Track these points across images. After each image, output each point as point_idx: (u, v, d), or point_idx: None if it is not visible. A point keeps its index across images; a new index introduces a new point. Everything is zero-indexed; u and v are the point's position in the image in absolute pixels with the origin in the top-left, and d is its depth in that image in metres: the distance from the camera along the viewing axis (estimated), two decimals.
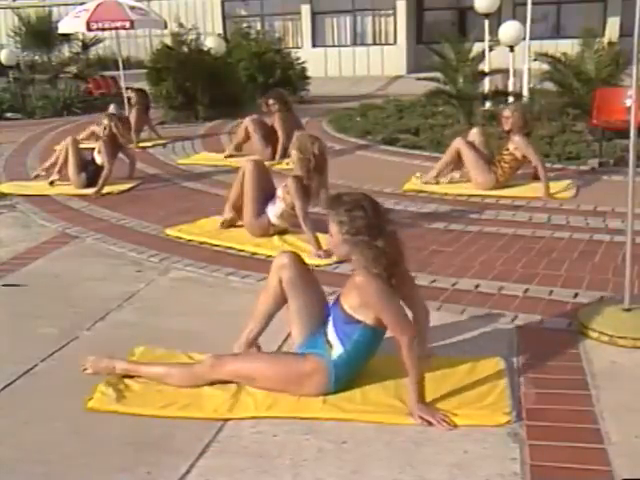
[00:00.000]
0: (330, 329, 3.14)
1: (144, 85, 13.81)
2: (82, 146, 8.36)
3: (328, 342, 3.12)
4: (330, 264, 4.91)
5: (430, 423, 2.88)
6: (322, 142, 5.44)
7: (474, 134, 7.11)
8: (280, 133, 8.77)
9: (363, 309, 3.04)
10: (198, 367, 3.26)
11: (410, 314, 3.14)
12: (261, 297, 3.44)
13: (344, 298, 3.12)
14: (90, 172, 7.60)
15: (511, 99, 11.01)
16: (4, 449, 2.89)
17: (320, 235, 5.09)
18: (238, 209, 5.73)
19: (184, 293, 4.61)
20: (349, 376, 3.15)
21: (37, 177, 8.02)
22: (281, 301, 3.37)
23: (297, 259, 3.39)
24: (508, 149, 6.76)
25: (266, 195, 5.62)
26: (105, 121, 7.73)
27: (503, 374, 3.26)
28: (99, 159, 7.61)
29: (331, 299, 3.38)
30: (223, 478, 2.64)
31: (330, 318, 3.18)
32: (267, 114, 9.28)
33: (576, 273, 4.61)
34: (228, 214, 5.81)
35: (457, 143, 6.97)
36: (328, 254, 4.93)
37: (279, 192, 5.54)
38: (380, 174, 7.43)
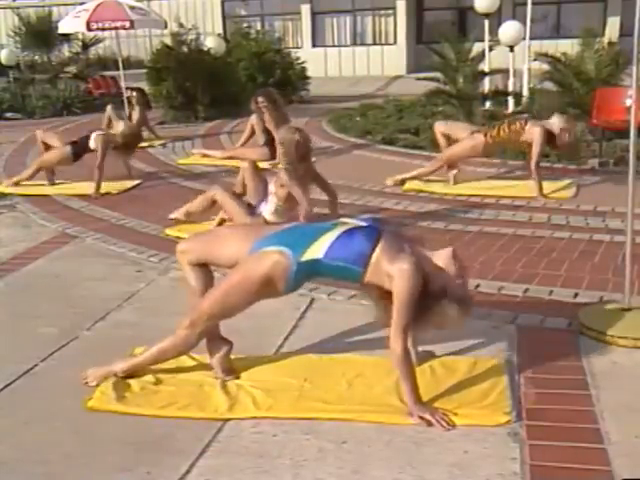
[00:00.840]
0: (328, 230, 3.10)
1: (144, 85, 13.82)
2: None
3: (314, 241, 3.06)
4: None
5: (430, 423, 2.88)
6: (304, 132, 5.47)
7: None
8: (273, 132, 8.80)
9: (381, 276, 2.98)
10: (180, 331, 3.24)
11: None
12: (189, 292, 3.39)
13: (381, 255, 3.00)
14: (76, 148, 7.60)
15: (511, 99, 11.02)
16: (4, 449, 2.89)
17: None
18: None
19: (184, 293, 4.56)
20: (305, 281, 3.18)
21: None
22: (206, 281, 3.35)
23: (189, 239, 3.44)
24: (516, 124, 6.78)
25: (260, 196, 5.64)
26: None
27: (503, 374, 3.26)
28: (93, 144, 7.57)
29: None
30: (223, 478, 2.64)
31: (344, 232, 3.09)
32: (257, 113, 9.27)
33: (576, 273, 4.61)
34: (224, 214, 5.83)
35: (437, 127, 7.23)
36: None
37: (271, 188, 5.53)
38: (380, 174, 7.43)
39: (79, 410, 3.12)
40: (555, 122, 6.72)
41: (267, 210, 5.53)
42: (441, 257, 3.04)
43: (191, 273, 3.33)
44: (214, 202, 5.68)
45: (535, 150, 6.59)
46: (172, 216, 5.98)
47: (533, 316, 3.95)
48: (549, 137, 6.64)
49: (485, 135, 6.83)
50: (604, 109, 8.18)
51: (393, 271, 2.94)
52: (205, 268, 3.34)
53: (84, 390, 3.24)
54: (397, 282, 2.93)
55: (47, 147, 7.97)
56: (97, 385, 3.31)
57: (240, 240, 3.25)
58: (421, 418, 2.90)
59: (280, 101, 9.05)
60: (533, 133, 6.62)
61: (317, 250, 3.05)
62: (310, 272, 3.12)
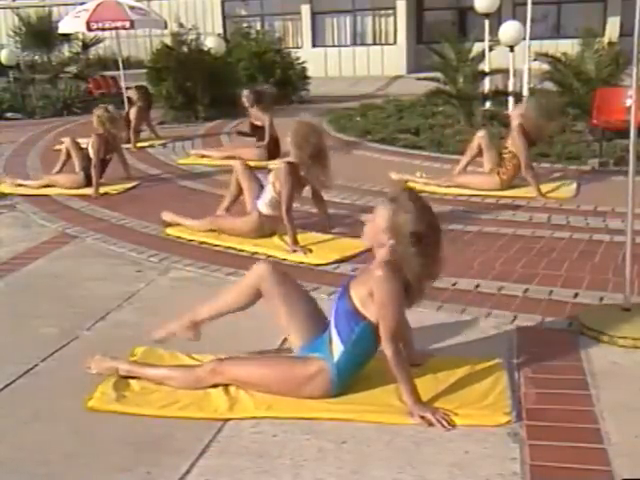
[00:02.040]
0: (332, 325, 3.11)
1: (144, 85, 13.82)
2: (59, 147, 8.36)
3: (330, 340, 3.09)
4: (326, 264, 4.92)
5: (431, 422, 2.88)
6: (321, 129, 5.46)
7: (480, 137, 7.08)
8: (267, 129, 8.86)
9: (370, 304, 3.00)
10: (199, 371, 3.25)
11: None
12: (232, 292, 3.40)
13: (355, 289, 3.08)
14: (87, 169, 7.59)
15: (511, 99, 11.02)
16: (5, 449, 2.89)
17: (305, 234, 5.30)
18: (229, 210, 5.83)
19: (184, 293, 4.61)
20: (350, 378, 3.14)
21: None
22: (247, 305, 3.39)
23: (276, 268, 3.37)
24: (507, 147, 6.76)
25: (255, 195, 5.68)
26: (98, 113, 7.72)
27: (503, 374, 3.26)
28: (92, 152, 7.57)
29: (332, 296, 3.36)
30: (223, 478, 2.64)
31: (333, 312, 3.15)
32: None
33: (576, 273, 4.61)
34: (221, 212, 5.88)
35: (480, 137, 7.01)
36: (304, 251, 5.11)
37: (270, 177, 5.53)
38: (380, 174, 7.43)
39: (79, 410, 3.12)
40: (514, 116, 6.86)
41: (262, 201, 5.53)
42: None
43: (247, 291, 3.33)
44: (212, 230, 5.71)
45: (521, 159, 6.62)
46: (165, 218, 5.98)
47: (533, 316, 3.95)
48: (526, 137, 6.66)
49: (498, 174, 6.78)
50: (604, 109, 8.19)
51: (371, 285, 2.98)
52: (253, 301, 3.36)
53: (84, 390, 3.24)
54: (375, 291, 2.96)
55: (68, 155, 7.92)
56: (97, 374, 3.38)
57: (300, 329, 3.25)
58: (422, 418, 2.90)
59: (267, 99, 9.04)
60: (515, 145, 6.64)
61: (337, 345, 3.08)
62: (348, 363, 3.10)
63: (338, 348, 3.07)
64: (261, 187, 5.71)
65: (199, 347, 3.56)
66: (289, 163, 5.36)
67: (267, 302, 3.32)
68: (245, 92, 9.28)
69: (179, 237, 5.73)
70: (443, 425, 2.86)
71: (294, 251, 5.15)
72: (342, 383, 3.10)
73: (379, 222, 3.09)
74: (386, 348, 2.95)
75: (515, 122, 6.74)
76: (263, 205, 5.52)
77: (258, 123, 9.10)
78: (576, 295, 4.23)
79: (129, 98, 11.22)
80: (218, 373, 3.20)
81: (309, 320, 3.26)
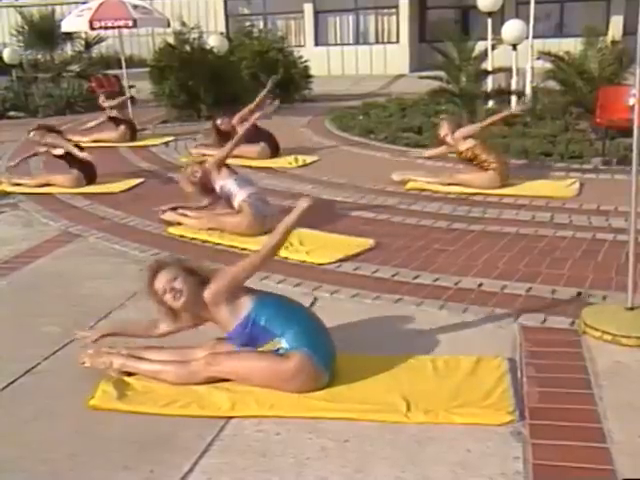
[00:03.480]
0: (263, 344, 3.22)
1: (147, 84, 13.84)
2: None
3: (275, 343, 3.20)
4: (327, 262, 4.93)
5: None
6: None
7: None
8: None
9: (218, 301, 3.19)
10: (194, 364, 3.27)
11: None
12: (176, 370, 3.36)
13: (220, 324, 3.26)
14: (79, 167, 7.62)
15: (514, 98, 11.01)
16: (7, 447, 2.89)
17: (307, 233, 5.19)
18: None
19: None
20: (323, 346, 3.20)
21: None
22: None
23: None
24: (461, 152, 6.97)
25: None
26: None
27: (506, 373, 3.26)
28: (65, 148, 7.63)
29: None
30: (226, 477, 2.64)
31: (242, 346, 3.25)
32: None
33: (579, 272, 4.60)
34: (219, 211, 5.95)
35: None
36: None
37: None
38: (383, 173, 7.42)
39: (81, 409, 3.12)
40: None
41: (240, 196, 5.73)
42: None
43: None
44: (211, 228, 5.76)
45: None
46: (163, 216, 6.00)
47: (536, 315, 3.94)
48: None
49: (495, 170, 6.83)
50: (607, 108, 8.18)
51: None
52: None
53: (87, 389, 3.24)
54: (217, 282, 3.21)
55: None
56: (91, 367, 3.43)
57: None
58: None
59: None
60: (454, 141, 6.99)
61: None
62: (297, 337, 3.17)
63: (280, 340, 3.16)
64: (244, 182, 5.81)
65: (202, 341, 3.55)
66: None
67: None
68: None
69: (182, 236, 5.73)
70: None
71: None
72: (322, 358, 3.14)
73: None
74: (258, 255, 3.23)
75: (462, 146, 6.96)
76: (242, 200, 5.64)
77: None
78: (579, 294, 4.23)
79: (132, 98, 11.21)
80: (212, 366, 3.22)
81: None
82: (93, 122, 10.88)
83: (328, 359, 3.19)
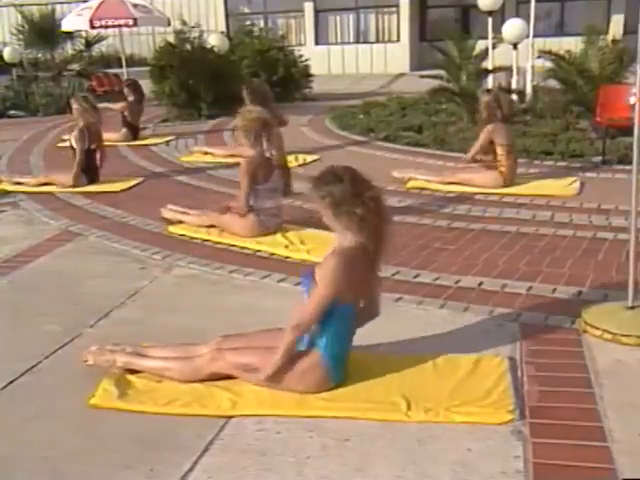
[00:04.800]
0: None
1: (147, 83, 13.81)
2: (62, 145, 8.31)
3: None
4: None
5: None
6: (260, 110, 5.68)
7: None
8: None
9: None
10: (198, 360, 3.27)
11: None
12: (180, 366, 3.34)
13: (318, 268, 3.13)
14: (82, 165, 7.60)
15: (514, 97, 11.00)
16: (8, 445, 2.89)
17: (309, 232, 5.19)
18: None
19: (187, 290, 4.61)
20: (341, 362, 3.15)
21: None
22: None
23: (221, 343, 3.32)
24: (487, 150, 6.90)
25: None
26: (77, 103, 7.72)
27: (506, 372, 3.26)
28: (76, 145, 7.57)
29: None
30: (226, 475, 2.64)
31: (305, 293, 3.17)
32: None
33: (580, 271, 4.60)
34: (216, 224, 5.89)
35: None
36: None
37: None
38: (383, 172, 7.41)
39: (82, 407, 3.12)
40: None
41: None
42: None
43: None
44: (211, 225, 5.73)
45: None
46: (165, 215, 6.00)
47: (536, 314, 3.94)
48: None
49: (497, 169, 6.81)
50: (608, 107, 8.17)
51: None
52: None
53: (87, 387, 3.24)
54: (320, 267, 3.06)
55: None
56: (94, 365, 3.42)
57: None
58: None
59: (265, 95, 8.96)
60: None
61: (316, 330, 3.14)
62: (333, 343, 3.13)
63: (318, 329, 3.10)
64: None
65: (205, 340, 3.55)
66: (246, 157, 5.54)
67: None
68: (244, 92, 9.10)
69: (182, 235, 5.72)
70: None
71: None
72: (336, 369, 3.12)
73: (325, 215, 3.16)
74: (287, 332, 3.04)
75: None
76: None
77: None
78: (580, 293, 4.23)
79: (122, 94, 11.15)
80: (217, 362, 3.22)
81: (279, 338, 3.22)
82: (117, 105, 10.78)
83: (341, 371, 3.17)
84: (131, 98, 10.65)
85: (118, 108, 10.69)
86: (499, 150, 6.78)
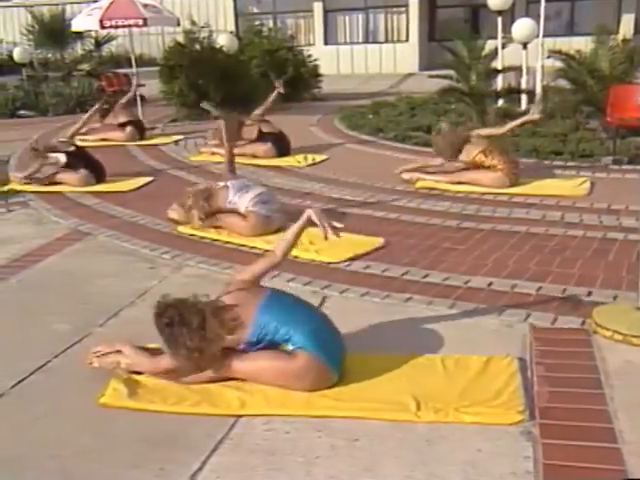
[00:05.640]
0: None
1: (156, 83, 13.85)
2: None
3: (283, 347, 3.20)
4: (338, 261, 4.92)
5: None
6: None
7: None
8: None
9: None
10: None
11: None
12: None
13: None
14: (85, 166, 7.66)
15: (524, 97, 10.97)
16: (17, 444, 2.90)
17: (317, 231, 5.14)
18: None
19: (197, 290, 4.57)
20: (327, 345, 3.18)
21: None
22: None
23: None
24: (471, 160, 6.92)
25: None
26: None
27: (516, 372, 3.25)
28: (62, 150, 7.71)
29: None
30: (235, 475, 2.64)
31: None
32: None
33: (590, 271, 4.58)
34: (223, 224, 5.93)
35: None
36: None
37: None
38: (392, 172, 7.41)
39: (91, 406, 3.13)
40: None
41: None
42: None
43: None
44: (219, 227, 5.76)
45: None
46: (172, 216, 6.01)
47: (546, 314, 3.93)
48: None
49: (502, 171, 6.80)
50: (618, 107, 8.13)
51: None
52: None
53: (97, 386, 3.25)
54: None
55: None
56: (99, 368, 3.43)
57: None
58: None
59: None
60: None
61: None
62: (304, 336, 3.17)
63: (288, 344, 3.15)
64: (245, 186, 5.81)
65: None
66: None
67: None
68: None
69: (191, 235, 5.73)
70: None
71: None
72: (330, 358, 3.13)
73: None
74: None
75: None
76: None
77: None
78: (590, 293, 4.21)
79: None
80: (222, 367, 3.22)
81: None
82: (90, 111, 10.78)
83: (336, 358, 3.19)
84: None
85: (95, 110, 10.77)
86: (482, 157, 6.80)
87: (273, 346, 3.20)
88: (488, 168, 6.81)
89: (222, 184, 5.82)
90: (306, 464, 2.68)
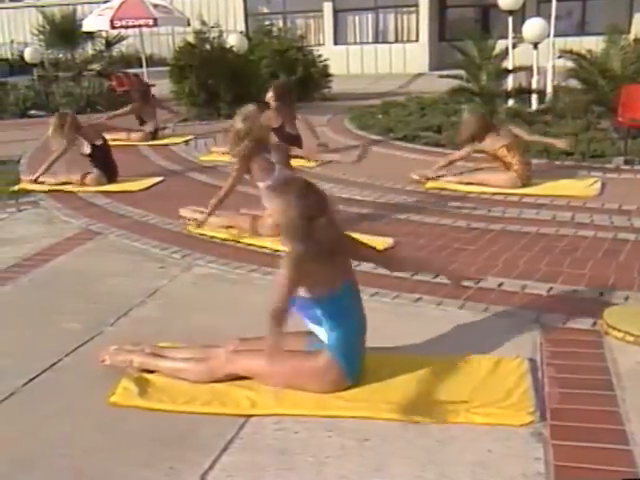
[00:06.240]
0: (304, 319, 3.17)
1: (167, 83, 13.88)
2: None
3: (313, 333, 3.16)
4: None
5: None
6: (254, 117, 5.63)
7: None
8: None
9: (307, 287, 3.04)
10: (214, 361, 3.27)
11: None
12: (193, 367, 3.33)
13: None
14: (98, 166, 7.65)
15: (535, 97, 10.94)
16: (27, 442, 2.91)
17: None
18: None
19: (207, 290, 4.62)
20: (355, 352, 3.15)
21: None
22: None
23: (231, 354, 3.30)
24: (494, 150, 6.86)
25: None
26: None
27: (526, 373, 3.23)
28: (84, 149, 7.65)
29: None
30: (245, 475, 2.64)
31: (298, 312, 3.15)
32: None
33: (601, 272, 4.56)
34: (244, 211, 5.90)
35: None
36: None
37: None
38: (402, 172, 7.40)
39: (102, 405, 3.14)
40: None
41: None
42: None
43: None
44: (229, 227, 5.72)
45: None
46: (183, 214, 6.02)
47: (557, 315, 3.91)
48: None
49: (517, 172, 6.77)
50: (630, 107, 8.10)
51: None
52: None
53: (107, 385, 3.26)
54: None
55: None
56: (111, 366, 3.44)
57: None
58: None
59: (288, 95, 8.92)
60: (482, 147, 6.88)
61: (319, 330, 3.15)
62: (342, 340, 3.12)
63: (319, 331, 3.11)
64: None
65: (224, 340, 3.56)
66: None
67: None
68: (269, 93, 9.07)
69: (201, 234, 5.74)
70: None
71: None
72: (350, 364, 3.11)
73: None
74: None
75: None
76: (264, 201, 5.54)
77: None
78: (601, 294, 4.19)
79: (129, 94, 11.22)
80: (233, 363, 3.22)
81: (294, 341, 3.23)
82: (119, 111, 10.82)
83: (356, 367, 3.17)
84: (136, 102, 10.73)
85: (122, 113, 10.75)
86: (504, 151, 6.74)
87: (309, 320, 3.15)
88: (504, 165, 6.77)
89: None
90: (316, 464, 2.68)
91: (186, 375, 3.30)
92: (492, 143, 6.80)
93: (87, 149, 7.58)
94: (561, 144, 7.13)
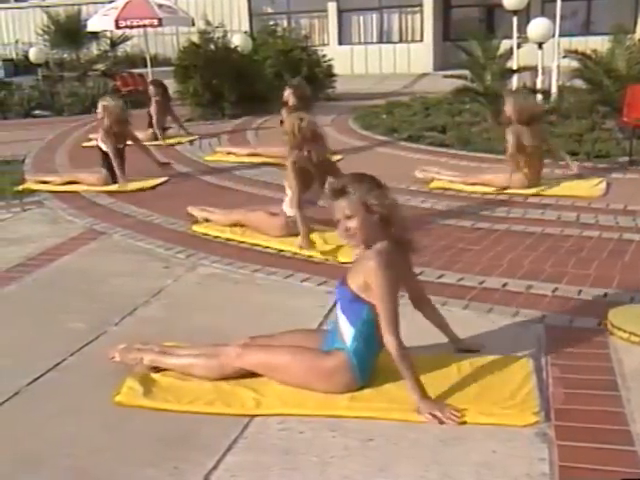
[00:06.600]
0: (339, 312, 3.14)
1: (171, 83, 13.88)
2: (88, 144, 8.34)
3: (339, 330, 3.11)
4: (352, 261, 4.89)
5: (441, 420, 2.86)
6: (310, 118, 5.52)
7: None
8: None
9: (368, 291, 3.03)
10: (224, 357, 3.26)
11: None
12: (203, 361, 3.34)
13: (351, 279, 3.10)
14: (107, 166, 7.64)
15: (539, 97, 10.91)
16: (32, 442, 2.92)
17: (331, 232, 5.11)
18: None
19: (211, 289, 4.63)
20: (369, 365, 3.14)
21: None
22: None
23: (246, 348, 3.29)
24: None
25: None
26: (99, 109, 7.75)
27: (531, 374, 3.23)
28: (104, 147, 7.64)
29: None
30: (249, 474, 2.64)
31: (337, 301, 3.19)
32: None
33: (606, 272, 4.55)
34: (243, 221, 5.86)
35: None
36: (310, 249, 5.18)
37: (285, 181, 5.55)
38: (406, 172, 7.40)
39: (107, 405, 3.14)
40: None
41: (285, 203, 5.51)
42: None
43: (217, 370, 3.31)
44: (236, 223, 5.71)
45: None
46: (191, 211, 6.02)
47: (562, 315, 3.91)
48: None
49: (526, 175, 6.72)
50: (635, 107, 8.07)
51: (367, 275, 3.00)
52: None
53: (112, 385, 3.26)
54: (372, 282, 2.98)
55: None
56: (122, 363, 3.45)
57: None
58: (432, 415, 2.88)
59: (306, 94, 8.86)
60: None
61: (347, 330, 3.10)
62: (363, 347, 3.10)
63: (349, 332, 3.08)
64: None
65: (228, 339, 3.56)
66: (291, 161, 5.36)
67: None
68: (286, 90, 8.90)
69: (206, 234, 5.74)
70: (454, 421, 2.84)
71: (300, 247, 5.17)
72: (363, 372, 3.10)
73: (361, 222, 3.11)
74: (388, 342, 2.96)
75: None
76: (286, 206, 5.50)
77: None
78: (606, 295, 4.18)
79: (148, 94, 11.19)
80: (243, 358, 3.22)
81: (307, 339, 3.28)
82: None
83: (367, 373, 3.16)
84: (158, 98, 10.68)
85: (149, 110, 10.74)
86: (527, 148, 6.69)
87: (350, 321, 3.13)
88: (515, 164, 6.69)
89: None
90: (320, 464, 2.67)
91: (196, 370, 3.30)
92: (527, 136, 6.63)
93: (110, 148, 7.57)
94: (571, 166, 7.09)
